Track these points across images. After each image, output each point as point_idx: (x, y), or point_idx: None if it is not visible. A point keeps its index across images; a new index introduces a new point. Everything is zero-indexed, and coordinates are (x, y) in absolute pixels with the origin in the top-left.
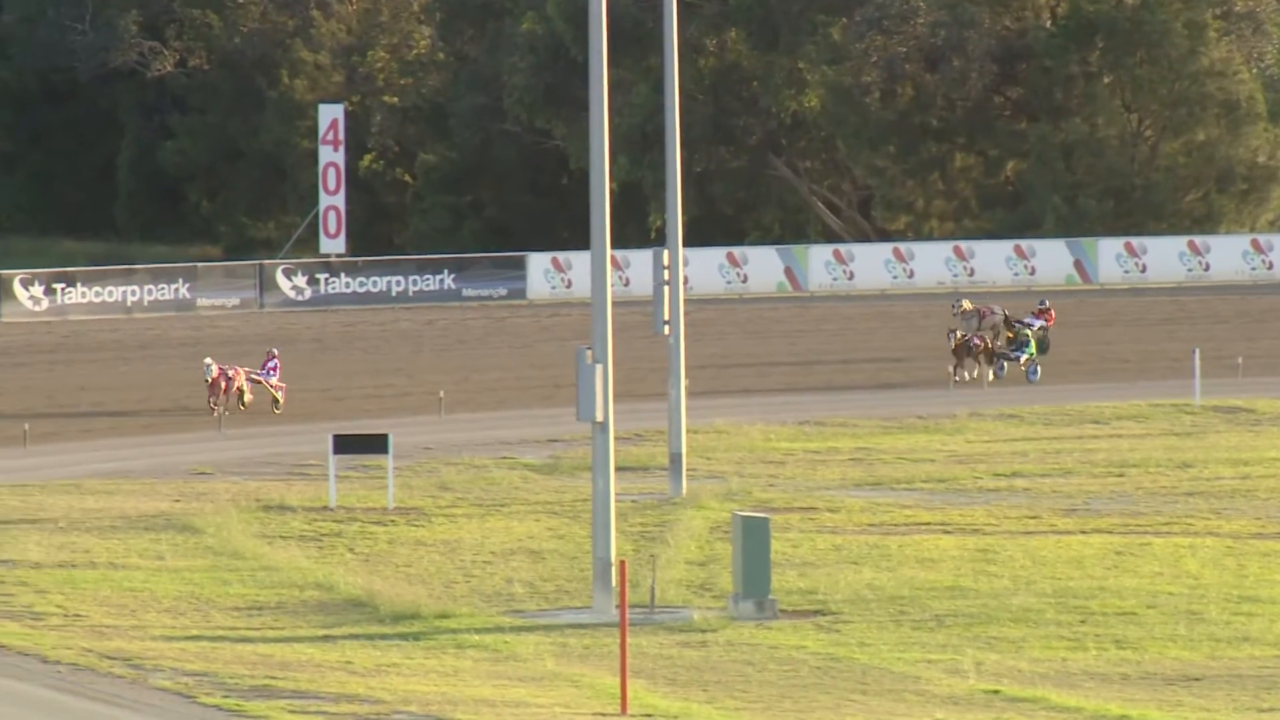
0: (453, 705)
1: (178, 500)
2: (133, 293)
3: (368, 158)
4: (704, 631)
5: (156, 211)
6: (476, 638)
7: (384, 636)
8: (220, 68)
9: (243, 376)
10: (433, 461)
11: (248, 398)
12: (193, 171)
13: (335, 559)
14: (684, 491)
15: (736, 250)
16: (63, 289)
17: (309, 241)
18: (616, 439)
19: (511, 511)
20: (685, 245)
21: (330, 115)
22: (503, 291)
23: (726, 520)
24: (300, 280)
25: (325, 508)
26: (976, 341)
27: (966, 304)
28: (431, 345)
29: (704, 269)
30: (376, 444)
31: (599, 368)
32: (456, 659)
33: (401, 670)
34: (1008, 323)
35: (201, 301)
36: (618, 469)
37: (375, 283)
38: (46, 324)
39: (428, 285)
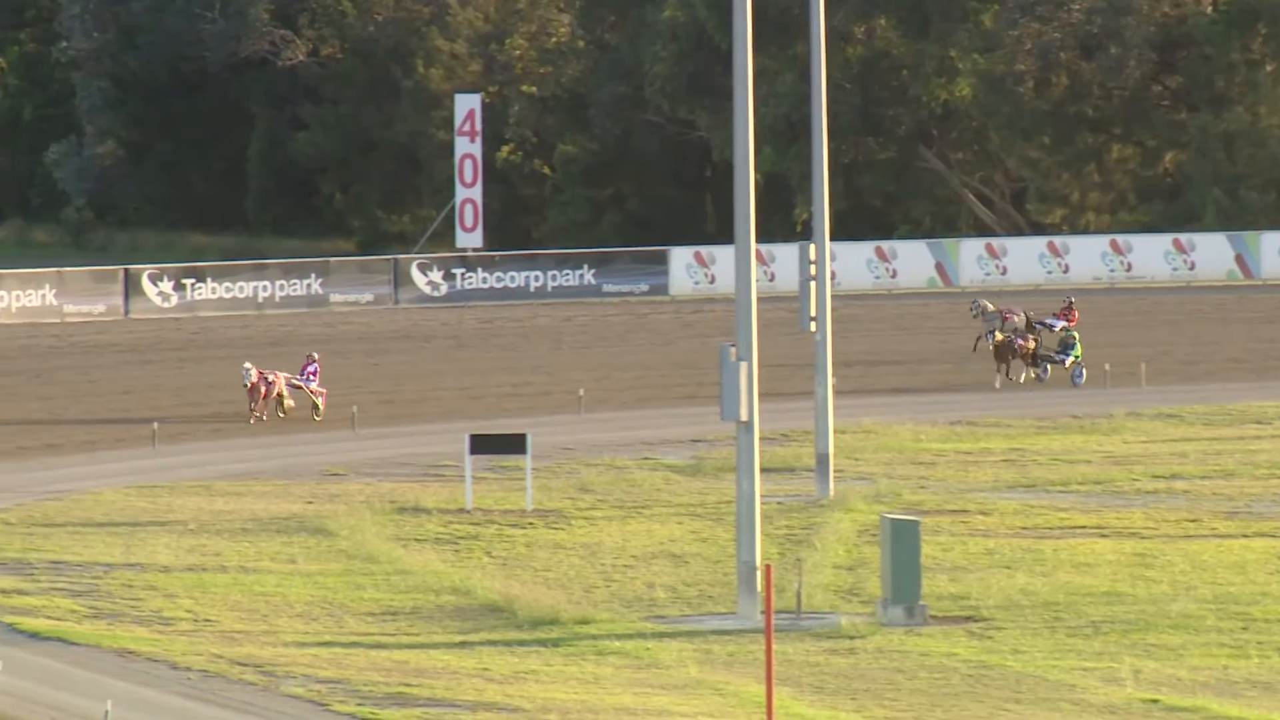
0: (593, 714)
1: (310, 502)
2: (264, 288)
3: (505, 149)
4: (852, 638)
5: (288, 205)
6: (617, 644)
7: (522, 643)
8: (353, 57)
9: (283, 382)
10: (572, 462)
11: (288, 403)
12: (325, 163)
13: (472, 563)
14: (831, 493)
15: (885, 244)
16: (192, 284)
17: (445, 235)
18: (761, 439)
19: (653, 514)
20: (832, 239)
21: (467, 105)
22: (644, 287)
23: (875, 523)
24: (436, 275)
25: (462, 510)
26: (1020, 344)
27: (987, 304)
28: (571, 342)
29: (852, 263)
30: (514, 444)
31: (743, 365)
32: (597, 666)
33: (540, 677)
34: (1029, 325)
35: (334, 297)
36: (763, 470)
37: (513, 278)
38: (175, 320)
39: (567, 280)
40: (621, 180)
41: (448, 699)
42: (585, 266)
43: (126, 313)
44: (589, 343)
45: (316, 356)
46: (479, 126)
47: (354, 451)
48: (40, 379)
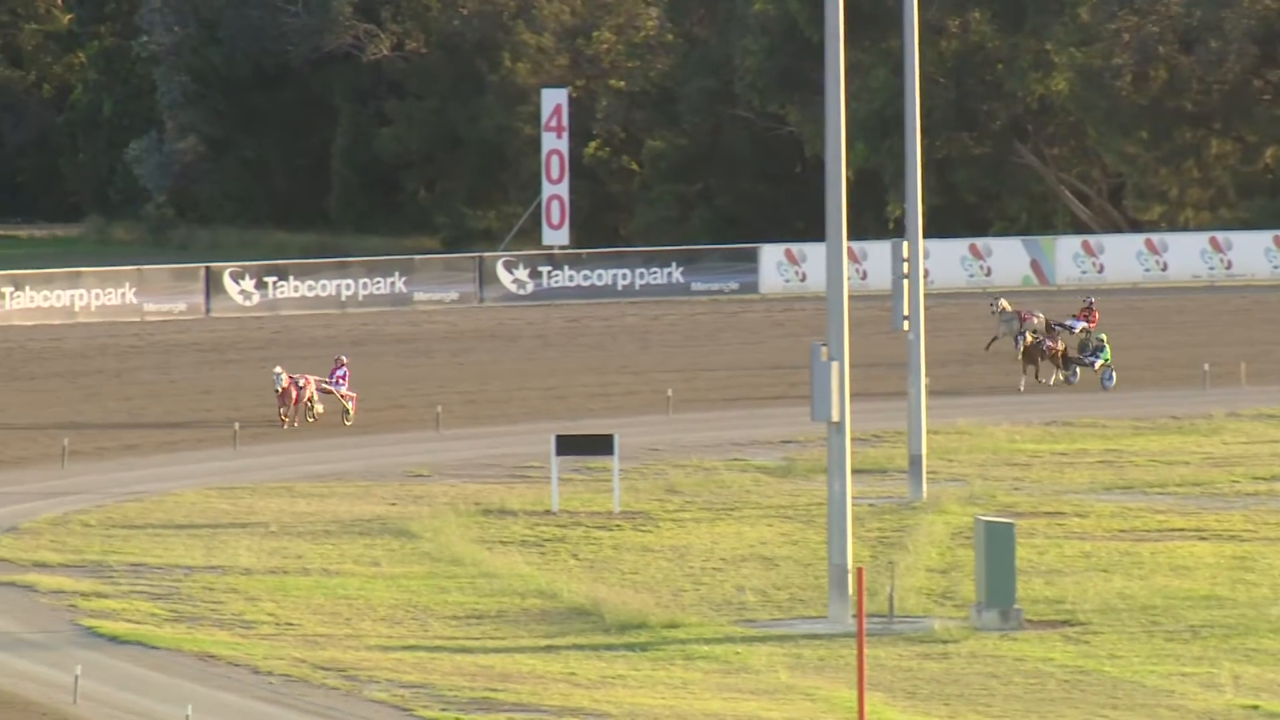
0: (681, 719)
1: (393, 503)
2: (347, 286)
3: (593, 145)
4: (945, 642)
5: (372, 201)
6: (706, 648)
7: (609, 647)
8: (438, 50)
9: (313, 386)
10: (660, 463)
11: (318, 409)
12: (410, 159)
13: (558, 565)
14: (924, 495)
15: (979, 241)
16: (274, 282)
17: (531, 233)
18: (853, 440)
19: (743, 516)
20: (925, 236)
21: (554, 100)
22: (733, 285)
23: (969, 525)
24: (522, 273)
25: (547, 511)
26: (1049, 345)
27: (1005, 304)
28: (659, 341)
29: (945, 261)
30: (601, 445)
31: (835, 365)
32: (685, 670)
33: (627, 682)
34: (1048, 327)
35: (418, 296)
36: (854, 471)
37: (600, 276)
38: (257, 319)
39: (655, 279)
40: (711, 176)
41: (533, 704)
42: (674, 264)
43: (207, 311)
44: (677, 342)
45: (345, 359)
46: (566, 122)
47: (438, 452)
48: (120, 379)
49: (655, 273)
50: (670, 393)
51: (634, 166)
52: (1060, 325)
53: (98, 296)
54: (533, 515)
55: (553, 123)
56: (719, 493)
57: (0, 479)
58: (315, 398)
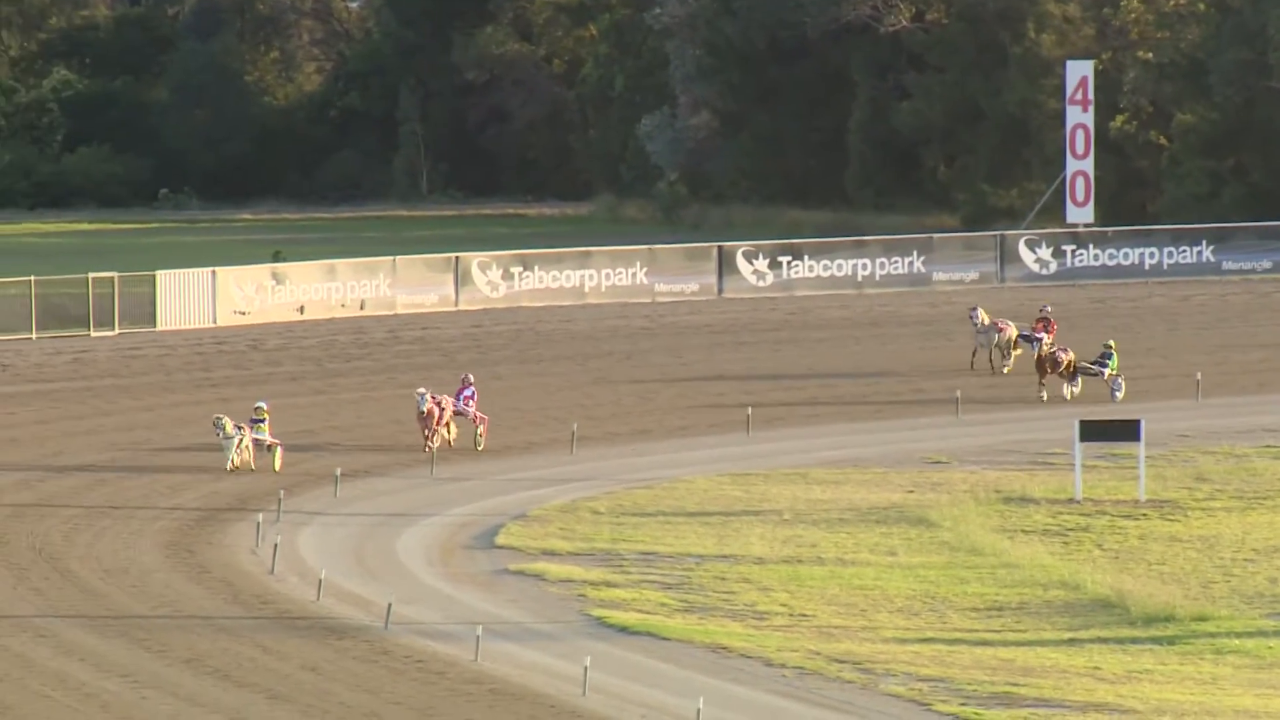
0: (1210, 716)
1: (911, 491)
2: (864, 266)
3: (1119, 119)
4: None
5: (890, 178)
6: (1237, 642)
7: (1135, 640)
8: (959, 21)
9: (451, 408)
10: (1188, 450)
11: (454, 431)
12: (929, 135)
13: (1081, 555)
14: None
15: None
16: (788, 262)
17: (1054, 210)
18: None
19: (1275, 505)
20: None
21: (1079, 73)
22: (1266, 264)
23: None
24: (1044, 252)
25: (1070, 500)
26: (1062, 355)
27: (984, 316)
28: (1187, 323)
29: None
30: (1126, 430)
31: None
32: (1214, 665)
33: (1154, 677)
34: (1016, 340)
35: (937, 275)
36: None
37: (1126, 255)
38: (770, 300)
39: (1184, 258)
40: (1244, 151)
41: (1056, 699)
42: (1204, 243)
43: (720, 292)
44: (1207, 323)
45: (471, 379)
46: (1091, 95)
47: (958, 438)
48: (631, 361)
49: (1184, 251)
50: (1199, 376)
51: (1162, 141)
52: (1024, 337)
53: (608, 277)
54: (1055, 503)
55: (1078, 96)
56: (1251, 481)
57: (510, 465)
58: (451, 420)
